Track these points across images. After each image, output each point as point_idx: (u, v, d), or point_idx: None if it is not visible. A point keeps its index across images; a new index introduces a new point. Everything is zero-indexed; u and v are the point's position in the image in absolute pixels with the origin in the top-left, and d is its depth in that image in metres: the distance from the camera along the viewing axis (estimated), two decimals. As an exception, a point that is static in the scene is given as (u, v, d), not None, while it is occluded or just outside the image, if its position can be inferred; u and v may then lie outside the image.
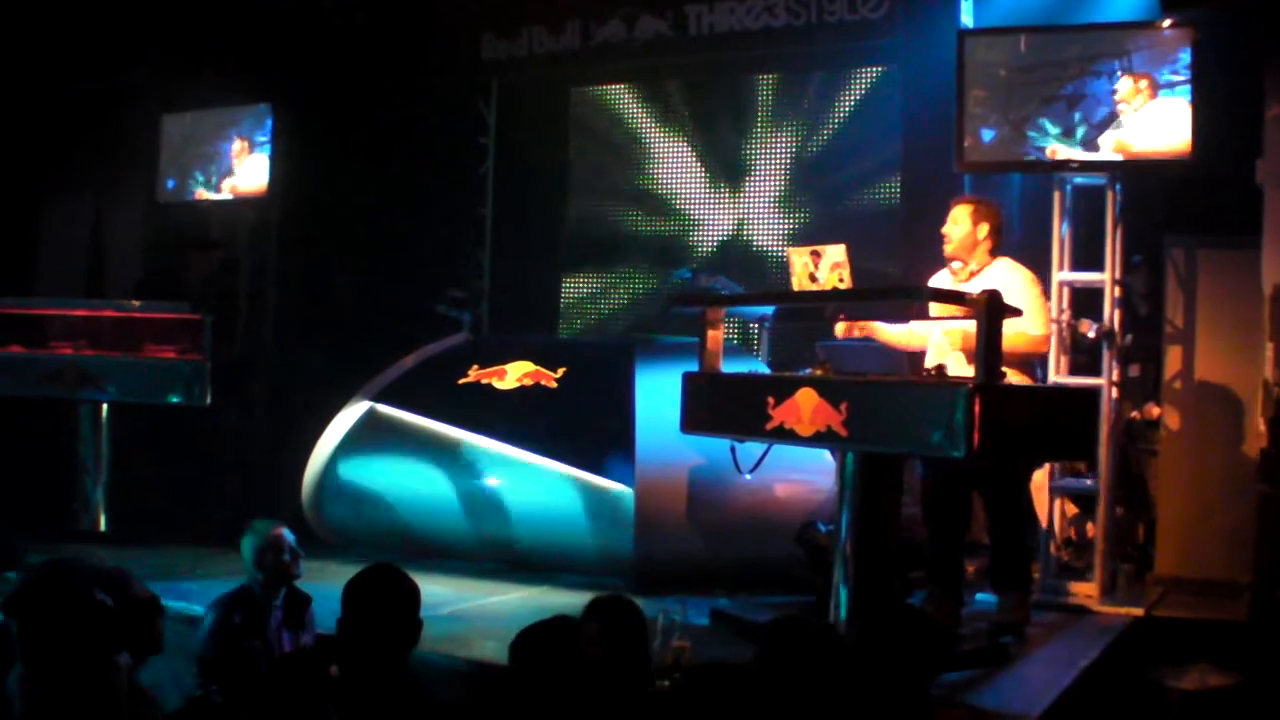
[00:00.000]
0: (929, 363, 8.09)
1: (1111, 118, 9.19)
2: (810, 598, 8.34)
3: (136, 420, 12.04)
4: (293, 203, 13.13)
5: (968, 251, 8.33)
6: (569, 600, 8.35)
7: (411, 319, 12.68)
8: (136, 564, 8.44)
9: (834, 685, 4.76)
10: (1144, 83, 9.09)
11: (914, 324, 8.58)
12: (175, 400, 11.45)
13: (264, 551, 7.37)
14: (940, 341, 8.24)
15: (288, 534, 7.48)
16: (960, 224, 8.35)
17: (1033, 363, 8.32)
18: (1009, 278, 8.16)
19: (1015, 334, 7.73)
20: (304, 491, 10.80)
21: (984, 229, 8.33)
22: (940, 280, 8.43)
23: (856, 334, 8.51)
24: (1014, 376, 7.75)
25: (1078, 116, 9.26)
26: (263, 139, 12.66)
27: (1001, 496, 8.36)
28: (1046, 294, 8.76)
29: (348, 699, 4.67)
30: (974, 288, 7.56)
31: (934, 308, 7.71)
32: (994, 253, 8.37)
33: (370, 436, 10.75)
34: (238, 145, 12.82)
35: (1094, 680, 7.62)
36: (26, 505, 11.30)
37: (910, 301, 8.03)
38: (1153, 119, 9.07)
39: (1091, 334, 9.34)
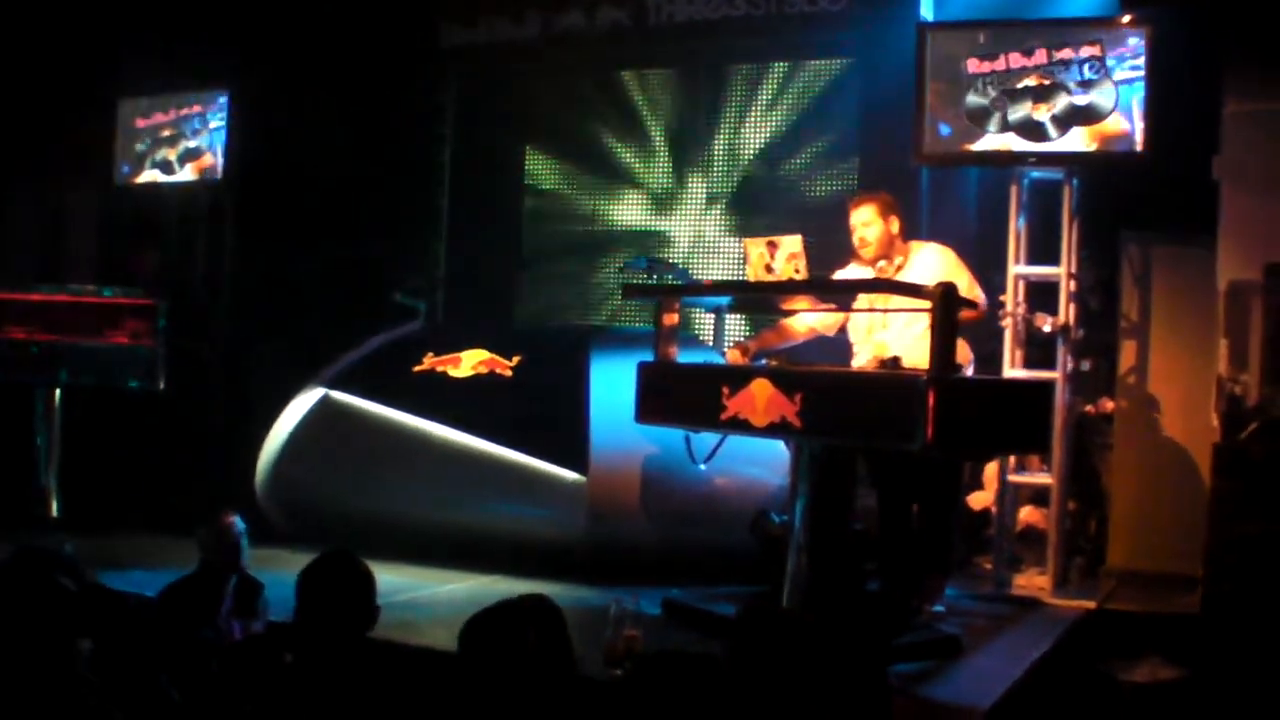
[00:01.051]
0: (858, 360, 8.18)
1: (1069, 113, 9.23)
2: (763, 588, 8.33)
3: (92, 407, 11.99)
4: (249, 188, 13.06)
5: (888, 248, 8.42)
6: (521, 589, 8.31)
7: (368, 307, 12.63)
8: (89, 551, 8.44)
9: (802, 674, 4.74)
10: (1101, 78, 9.12)
11: (806, 315, 8.65)
12: (130, 385, 11.40)
13: (214, 539, 7.36)
14: (870, 341, 8.28)
15: (238, 522, 7.46)
16: (873, 225, 8.43)
17: (970, 336, 8.36)
18: (937, 260, 8.33)
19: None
20: (257, 479, 10.78)
21: (895, 223, 8.47)
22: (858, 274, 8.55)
23: (754, 351, 8.56)
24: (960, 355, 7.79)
25: (1035, 111, 9.29)
26: (219, 124, 12.60)
27: (935, 482, 8.42)
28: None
29: (302, 686, 4.64)
30: (909, 278, 7.61)
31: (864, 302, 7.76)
32: (905, 240, 8.47)
33: (324, 423, 10.72)
34: (194, 128, 12.76)
35: (1045, 672, 7.65)
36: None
37: (867, 293, 8.05)
38: (1109, 114, 9.10)
39: (1048, 328, 9.37)
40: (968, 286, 8.11)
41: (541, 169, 13.87)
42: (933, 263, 8.28)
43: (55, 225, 14.74)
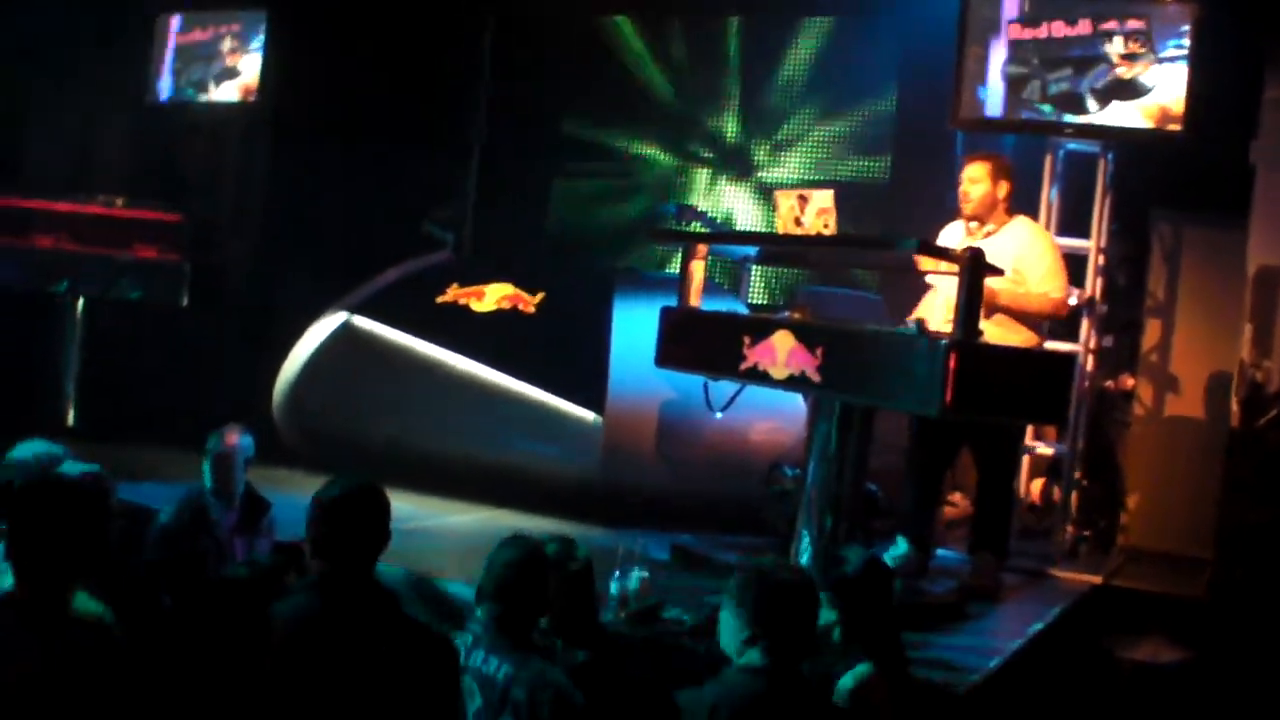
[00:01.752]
0: (915, 314, 8.11)
1: (1109, 86, 9.14)
2: (771, 539, 8.34)
3: (114, 319, 12.01)
4: (284, 110, 13.06)
5: (988, 211, 8.24)
6: (530, 524, 8.33)
7: (396, 236, 12.62)
8: (102, 462, 8.44)
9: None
10: (1145, 54, 9.05)
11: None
12: (152, 300, 11.42)
13: (219, 455, 7.38)
14: (938, 301, 8.20)
15: (245, 440, 7.47)
16: (980, 183, 8.25)
17: (1045, 326, 8.33)
18: (1029, 239, 8.16)
19: (1039, 296, 7.81)
20: (274, 399, 10.82)
21: (1004, 188, 8.24)
22: (953, 235, 8.38)
23: None
24: (1022, 337, 7.80)
25: (1075, 82, 9.22)
26: (257, 44, 12.59)
27: (993, 457, 8.39)
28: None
29: (309, 608, 4.64)
30: (991, 247, 7.52)
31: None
32: (1010, 211, 8.32)
33: (344, 349, 10.75)
34: (231, 47, 12.75)
35: (1047, 643, 7.65)
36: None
37: (893, 251, 8.00)
38: (1150, 91, 9.04)
39: (1073, 300, 9.32)
40: (1044, 274, 8.03)
41: (579, 106, 13.81)
42: (1018, 239, 8.13)
43: (88, 137, 14.73)
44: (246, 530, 7.39)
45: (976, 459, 8.54)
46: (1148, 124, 9.05)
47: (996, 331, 7.57)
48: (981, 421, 7.80)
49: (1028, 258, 7.89)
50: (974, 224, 8.28)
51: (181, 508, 7.24)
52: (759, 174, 12.84)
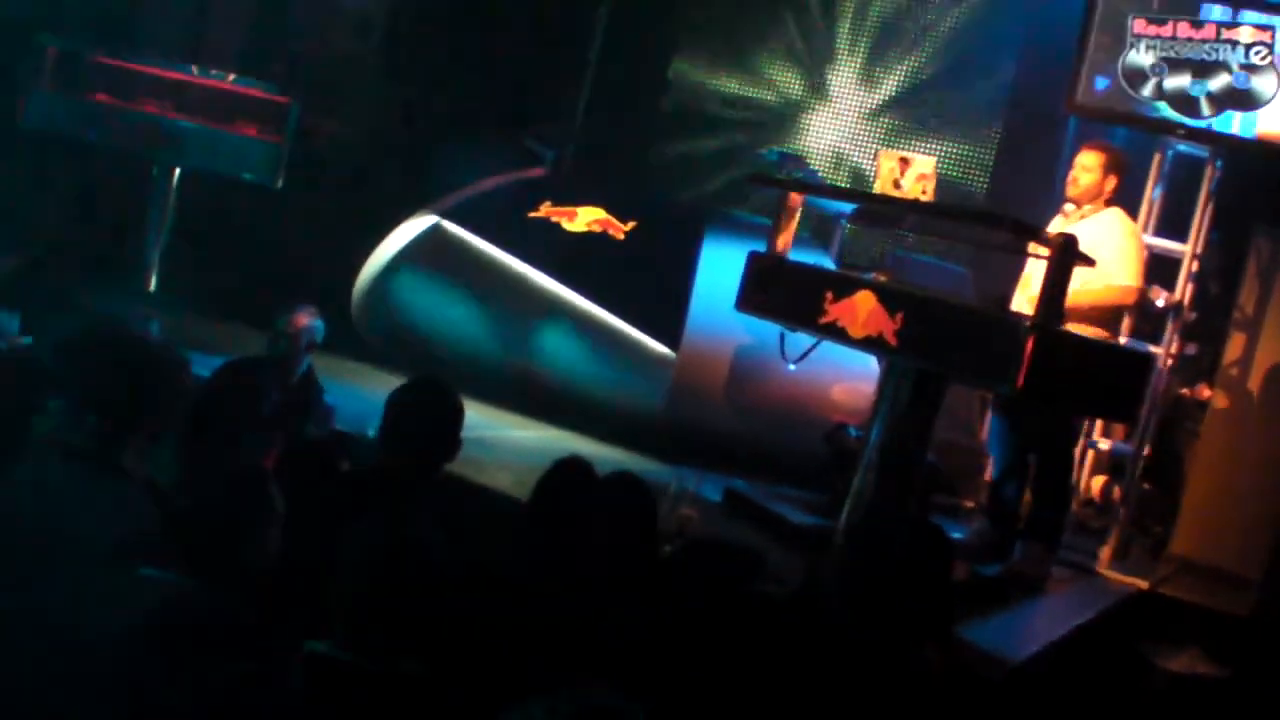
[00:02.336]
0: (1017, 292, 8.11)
1: (1226, 93, 9.04)
2: (824, 496, 8.33)
3: (207, 192, 12.07)
4: (397, 9, 13.11)
5: (1090, 199, 8.23)
6: (590, 450, 8.36)
7: (497, 147, 12.63)
8: (177, 331, 8.54)
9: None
10: (1266, 66, 8.94)
11: None
12: (247, 177, 11.48)
13: (283, 333, 7.44)
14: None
15: (315, 324, 7.53)
16: (1092, 172, 8.23)
17: (1114, 319, 8.28)
18: (1112, 226, 8.14)
19: (1105, 287, 7.76)
20: (355, 292, 10.88)
21: (1112, 182, 8.23)
22: (1054, 222, 8.40)
23: None
24: (1090, 330, 7.74)
25: (1193, 84, 9.12)
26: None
27: (1053, 447, 8.36)
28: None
29: (369, 500, 4.69)
30: (1080, 231, 7.49)
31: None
32: (1109, 203, 8.29)
33: (430, 251, 10.77)
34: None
35: (1085, 640, 7.63)
36: (87, 255, 11.44)
37: (987, 227, 7.95)
38: (1267, 104, 8.94)
39: (1161, 302, 9.26)
40: (1117, 262, 8.00)
41: (692, 44, 13.76)
42: (1104, 227, 8.08)
43: (203, 7, 14.79)
44: (294, 411, 7.45)
45: (1037, 447, 8.49)
46: (1261, 136, 8.96)
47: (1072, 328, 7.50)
48: (1049, 410, 7.78)
49: (1107, 245, 7.82)
50: (1070, 208, 8.26)
51: (230, 372, 7.25)
52: (865, 131, 12.78)
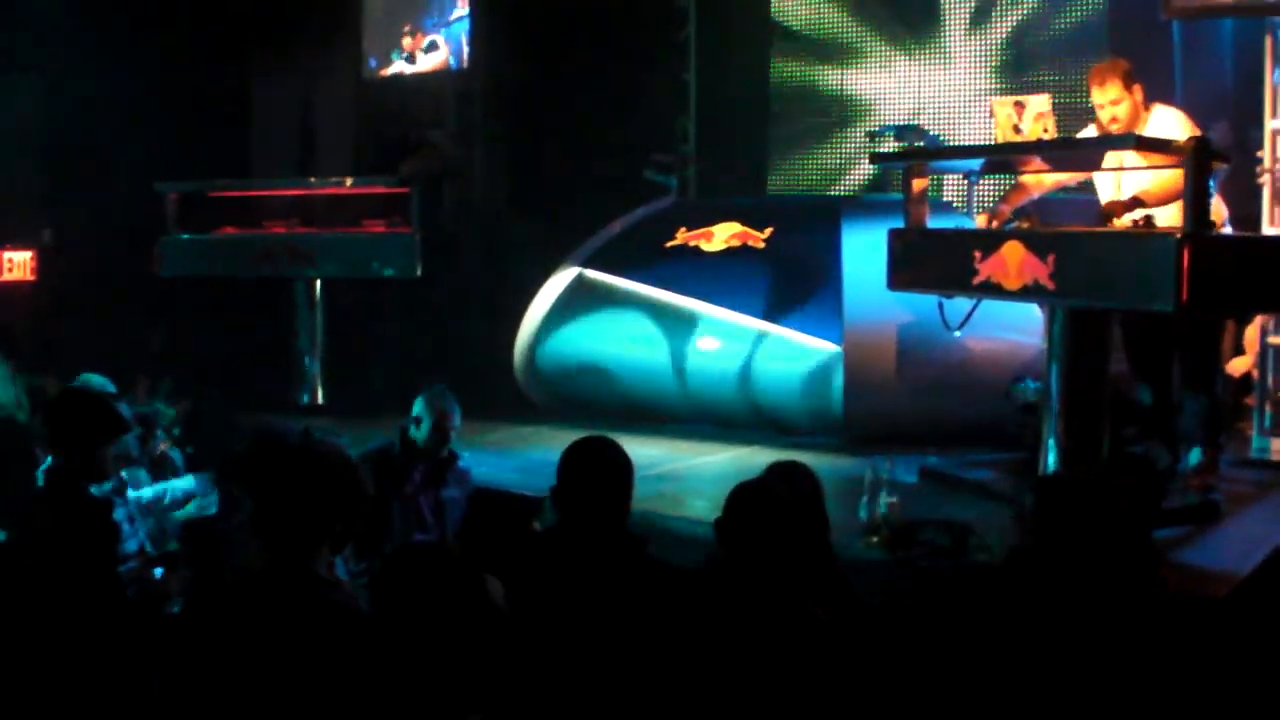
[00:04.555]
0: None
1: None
2: (1019, 455, 8.28)
3: (352, 296, 12.23)
4: (495, 75, 13.21)
5: (1136, 116, 7.90)
6: (777, 458, 8.33)
7: (618, 187, 12.70)
8: (347, 437, 8.64)
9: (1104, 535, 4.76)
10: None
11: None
12: (386, 273, 11.59)
13: (425, 420, 7.53)
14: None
15: (454, 409, 7.60)
16: (1123, 101, 7.83)
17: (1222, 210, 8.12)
18: (1175, 122, 7.85)
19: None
20: (516, 358, 10.95)
21: (1138, 91, 7.89)
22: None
23: (1006, 215, 8.26)
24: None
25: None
26: (462, 11, 12.72)
27: (1193, 351, 8.22)
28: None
29: (561, 557, 4.77)
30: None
31: (1110, 161, 7.58)
32: (1148, 106, 8.01)
33: (579, 301, 10.82)
34: (434, 22, 12.92)
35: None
36: (247, 383, 11.65)
37: (1118, 149, 7.85)
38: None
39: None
40: None
41: (787, 40, 13.74)
42: (1171, 125, 7.95)
43: (307, 121, 15.03)
44: (432, 485, 7.58)
45: (1180, 356, 8.31)
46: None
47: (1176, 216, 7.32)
48: (1217, 317, 7.65)
49: (1175, 134, 7.60)
50: (1115, 126, 8.01)
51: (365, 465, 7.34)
52: (975, 84, 12.67)
